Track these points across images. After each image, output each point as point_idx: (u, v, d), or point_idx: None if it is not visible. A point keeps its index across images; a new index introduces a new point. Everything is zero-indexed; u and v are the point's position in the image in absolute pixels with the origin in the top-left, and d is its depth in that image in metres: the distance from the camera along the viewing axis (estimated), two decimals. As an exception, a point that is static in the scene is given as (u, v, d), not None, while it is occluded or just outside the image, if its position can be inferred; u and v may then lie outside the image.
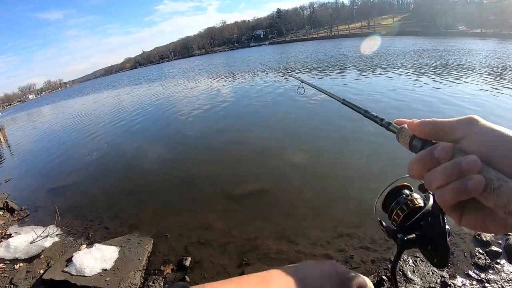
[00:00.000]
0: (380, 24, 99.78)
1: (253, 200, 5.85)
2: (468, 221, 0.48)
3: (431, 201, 0.65)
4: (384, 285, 3.46)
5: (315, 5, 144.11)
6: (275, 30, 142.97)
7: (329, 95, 1.19)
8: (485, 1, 77.93)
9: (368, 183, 5.71)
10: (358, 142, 7.32)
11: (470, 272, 3.48)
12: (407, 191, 0.72)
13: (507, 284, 3.28)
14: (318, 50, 47.89)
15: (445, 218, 0.60)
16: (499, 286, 3.28)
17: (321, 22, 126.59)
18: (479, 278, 3.40)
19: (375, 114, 0.75)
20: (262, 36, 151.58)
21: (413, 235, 0.64)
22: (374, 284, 3.49)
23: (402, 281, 3.46)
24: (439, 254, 0.62)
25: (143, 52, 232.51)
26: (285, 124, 9.92)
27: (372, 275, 3.63)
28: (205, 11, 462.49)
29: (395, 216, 0.69)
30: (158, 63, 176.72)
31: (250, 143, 8.86)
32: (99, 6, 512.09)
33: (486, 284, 3.32)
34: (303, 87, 2.10)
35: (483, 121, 0.49)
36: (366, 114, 0.79)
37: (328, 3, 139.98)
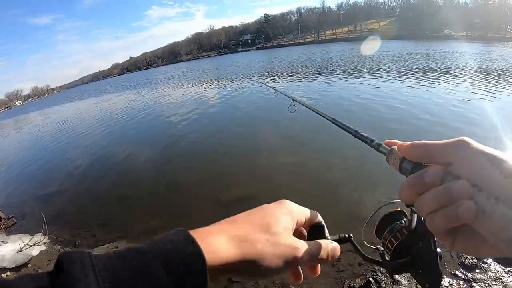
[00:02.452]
0: (367, 28, 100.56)
1: (240, 205, 5.84)
2: (461, 246, 0.48)
3: (421, 224, 0.63)
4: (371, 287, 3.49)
5: (302, 10, 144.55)
6: (263, 35, 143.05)
7: (320, 114, 1.19)
8: (470, 5, 79.16)
9: (355, 187, 5.77)
10: (347, 149, 7.38)
11: (457, 272, 3.49)
12: (401, 217, 0.71)
13: (494, 283, 3.30)
14: (305, 55, 48.07)
15: (436, 241, 0.59)
16: (486, 285, 3.30)
17: (308, 27, 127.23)
18: (466, 277, 3.42)
19: (365, 134, 0.75)
20: (249, 41, 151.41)
21: (404, 260, 0.63)
22: (361, 286, 3.55)
23: (389, 282, 3.47)
24: (430, 279, 0.61)
25: (131, 58, 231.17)
26: (273, 132, 9.94)
27: (359, 278, 3.65)
28: (193, 16, 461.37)
29: (388, 244, 0.67)
30: (145, 69, 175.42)
31: (237, 150, 8.88)
32: (88, 11, 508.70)
33: (473, 284, 3.34)
34: (294, 105, 2.06)
35: (474, 144, 0.48)
36: (356, 134, 0.80)
37: (315, 8, 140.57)
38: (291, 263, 0.53)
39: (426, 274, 0.61)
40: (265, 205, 0.59)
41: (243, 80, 25.96)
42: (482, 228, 0.42)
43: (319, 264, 0.61)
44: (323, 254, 0.57)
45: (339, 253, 0.60)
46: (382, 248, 0.70)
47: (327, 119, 1.08)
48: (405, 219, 0.70)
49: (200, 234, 0.46)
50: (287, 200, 0.61)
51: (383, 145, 0.63)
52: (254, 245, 0.49)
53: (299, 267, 0.60)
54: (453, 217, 0.43)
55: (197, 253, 0.41)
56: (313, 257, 0.56)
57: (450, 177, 0.46)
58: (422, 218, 0.54)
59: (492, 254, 0.46)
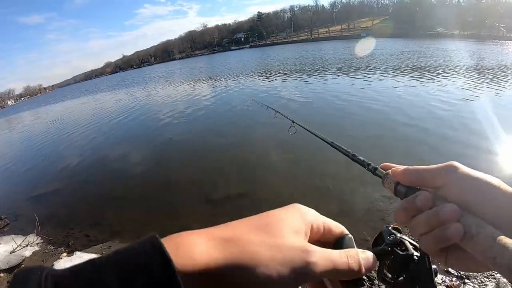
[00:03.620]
0: (360, 26, 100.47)
1: (232, 204, 5.89)
2: (453, 263, 0.51)
3: (416, 244, 0.65)
4: (365, 285, 3.49)
5: (295, 8, 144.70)
6: (256, 33, 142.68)
7: (319, 137, 1.17)
8: (463, 4, 79.46)
9: (349, 185, 5.81)
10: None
11: (450, 269, 3.46)
12: (396, 234, 0.70)
13: (487, 280, 3.33)
14: (298, 53, 48.04)
15: (430, 259, 0.60)
16: (479, 281, 3.33)
17: (301, 25, 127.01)
18: (459, 274, 3.44)
19: (362, 158, 0.76)
20: (243, 39, 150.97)
21: (401, 278, 0.64)
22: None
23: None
24: None
25: (124, 56, 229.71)
26: (266, 133, 9.96)
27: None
28: (185, 14, 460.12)
29: (385, 260, 0.68)
30: (138, 67, 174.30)
31: (229, 149, 8.92)
32: (80, 10, 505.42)
33: (466, 280, 3.36)
34: (294, 127, 2.05)
35: (462, 168, 0.51)
36: (353, 158, 0.80)
37: (308, 6, 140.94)
38: (302, 273, 0.41)
39: None
40: (270, 211, 0.49)
41: (235, 82, 25.90)
42: (469, 248, 0.45)
43: None
44: (352, 262, 0.46)
45: (375, 266, 0.51)
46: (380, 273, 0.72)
47: (326, 142, 1.08)
48: (400, 235, 0.70)
49: (175, 238, 0.41)
50: (298, 204, 0.52)
51: (379, 169, 0.66)
52: (244, 246, 0.40)
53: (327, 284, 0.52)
54: (442, 238, 0.46)
55: (163, 259, 0.34)
56: (335, 265, 0.44)
57: (440, 201, 0.50)
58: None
59: (482, 270, 0.51)
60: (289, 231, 0.44)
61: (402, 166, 0.59)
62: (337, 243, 0.51)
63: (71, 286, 0.32)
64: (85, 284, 0.32)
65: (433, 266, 0.61)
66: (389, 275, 0.67)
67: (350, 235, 0.53)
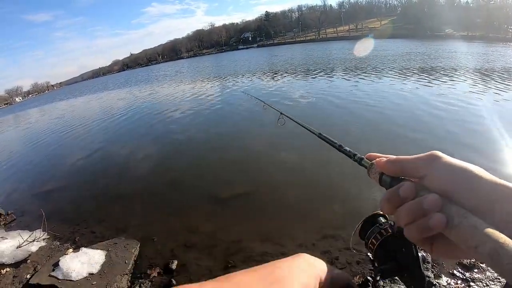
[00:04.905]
0: (368, 27, 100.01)
1: (238, 202, 5.90)
2: (438, 251, 0.51)
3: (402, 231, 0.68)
4: (369, 286, 3.48)
5: (303, 8, 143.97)
6: (264, 33, 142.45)
7: (306, 129, 1.23)
8: (471, 5, 78.86)
9: (353, 184, 5.76)
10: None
11: (455, 272, 3.49)
12: (382, 219, 0.73)
13: (492, 283, 3.30)
14: (306, 53, 48.00)
15: (417, 247, 0.62)
16: (484, 284, 3.30)
17: (309, 25, 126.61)
18: (464, 277, 3.42)
19: (348, 149, 0.78)
20: (250, 39, 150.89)
21: (388, 266, 0.65)
22: (359, 285, 3.56)
23: (387, 281, 3.48)
24: (415, 282, 0.63)
25: (131, 54, 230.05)
26: (271, 129, 9.96)
27: (357, 276, 3.66)
28: (193, 13, 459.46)
29: (370, 245, 0.71)
30: (146, 66, 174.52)
31: (235, 147, 8.92)
32: (87, 8, 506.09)
33: (471, 283, 3.34)
34: (283, 118, 2.09)
35: (445, 157, 0.52)
36: (340, 148, 0.83)
37: (316, 6, 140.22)
38: None
39: (410, 277, 0.64)
40: (276, 260, 0.52)
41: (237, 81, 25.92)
42: (452, 237, 0.45)
43: None
44: None
45: None
46: (370, 255, 0.73)
47: (314, 133, 1.10)
48: (386, 220, 0.73)
49: None
50: (306, 254, 0.56)
51: (365, 159, 0.67)
52: None
53: None
54: (425, 228, 0.47)
55: None
56: None
57: (423, 191, 0.50)
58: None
59: (465, 258, 0.51)
60: (297, 285, 0.46)
61: (387, 156, 0.60)
62: None
63: None
64: None
65: (421, 254, 0.63)
66: (374, 257, 0.70)
67: (354, 286, 0.59)
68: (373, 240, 0.70)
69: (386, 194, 0.54)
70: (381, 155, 0.62)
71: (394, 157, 0.58)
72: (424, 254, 0.62)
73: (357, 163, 0.70)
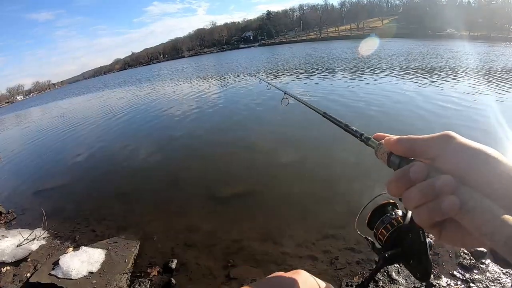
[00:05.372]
0: (369, 26, 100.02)
1: (238, 202, 5.89)
2: (447, 238, 0.49)
3: (410, 217, 0.66)
4: (369, 286, 3.49)
5: (304, 7, 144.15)
6: (265, 32, 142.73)
7: (311, 108, 1.19)
8: (473, 5, 78.82)
9: (353, 184, 5.78)
10: (343, 145, 7.36)
11: (455, 272, 3.47)
12: (391, 209, 0.72)
13: (492, 284, 3.28)
14: (307, 52, 48.01)
15: (425, 233, 0.60)
16: (484, 286, 3.28)
17: (310, 24, 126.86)
18: (464, 278, 3.40)
19: (354, 128, 0.75)
20: (251, 38, 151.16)
21: (395, 251, 0.65)
22: (358, 285, 3.56)
23: (387, 281, 3.45)
24: (421, 268, 0.62)
25: (133, 53, 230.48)
26: (271, 127, 9.96)
27: (357, 276, 3.66)
28: (194, 12, 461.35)
29: (380, 236, 0.70)
30: (147, 65, 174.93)
31: (236, 146, 8.88)
32: (88, 7, 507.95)
33: (471, 284, 3.32)
34: (287, 98, 2.03)
35: (459, 138, 0.49)
36: (346, 128, 0.79)
37: (317, 5, 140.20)
38: None
39: (417, 264, 0.63)
40: (280, 273, 0.55)
41: (242, 77, 25.91)
42: (465, 222, 0.43)
43: None
44: None
45: None
46: (371, 239, 0.72)
47: (318, 112, 1.07)
48: (395, 210, 0.72)
49: None
50: (304, 271, 0.57)
51: (372, 139, 0.64)
52: None
53: None
54: (436, 211, 0.44)
55: None
56: None
57: (435, 172, 0.47)
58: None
59: (477, 246, 0.48)
60: None
61: (396, 136, 0.57)
62: None
63: None
64: None
65: (428, 240, 0.61)
66: (383, 247, 0.69)
67: None
68: (383, 231, 0.69)
69: (395, 174, 0.51)
70: (389, 135, 0.59)
71: (405, 136, 0.55)
72: (431, 240, 0.60)
73: (364, 143, 0.68)
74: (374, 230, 0.71)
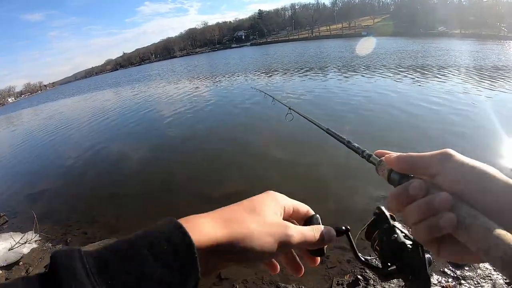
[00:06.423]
0: (361, 25, 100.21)
1: (231, 202, 5.88)
2: (446, 253, 0.50)
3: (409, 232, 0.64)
4: (360, 285, 3.47)
5: (296, 6, 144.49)
6: (257, 31, 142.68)
7: (315, 124, 1.18)
8: (464, 3, 79.35)
9: (346, 183, 5.80)
10: (340, 146, 7.35)
11: (446, 270, 3.48)
12: (389, 220, 0.71)
13: (483, 281, 3.30)
14: (298, 52, 48.00)
15: (424, 248, 0.60)
16: (475, 282, 3.30)
17: (302, 23, 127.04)
18: (455, 275, 3.41)
19: (356, 145, 0.76)
20: (243, 37, 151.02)
21: (394, 267, 0.65)
22: (349, 283, 3.58)
23: (377, 280, 3.47)
24: (420, 284, 0.62)
25: (124, 53, 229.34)
26: (265, 129, 9.96)
27: (348, 275, 3.66)
28: (186, 12, 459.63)
29: (377, 246, 0.70)
30: (139, 65, 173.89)
31: (228, 146, 8.91)
32: (81, 7, 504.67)
33: (462, 281, 3.33)
34: (291, 113, 2.03)
35: (457, 156, 0.50)
36: (348, 144, 0.80)
37: (309, 4, 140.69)
38: (283, 243, 0.52)
39: (416, 280, 0.63)
40: (252, 197, 0.60)
41: (237, 78, 25.89)
42: (462, 238, 0.44)
43: (318, 257, 0.62)
44: (316, 235, 0.56)
45: (335, 238, 0.59)
46: (369, 257, 0.73)
47: (322, 128, 1.08)
48: (395, 223, 0.71)
49: (187, 219, 0.48)
50: (273, 191, 0.62)
51: (373, 156, 0.65)
52: (242, 223, 0.50)
53: (296, 258, 0.62)
54: (434, 228, 0.46)
55: (183, 234, 0.42)
56: (306, 237, 0.55)
57: (434, 189, 0.49)
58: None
59: (475, 262, 0.49)
60: (270, 212, 0.55)
61: (396, 153, 0.59)
62: (307, 221, 0.62)
63: (110, 259, 0.38)
64: (122, 256, 0.39)
65: (427, 256, 0.61)
66: (380, 259, 0.69)
67: (317, 215, 0.63)
68: (379, 242, 0.70)
69: (394, 191, 0.53)
70: (390, 152, 0.61)
71: (405, 153, 0.56)
72: (430, 256, 0.61)
73: (365, 160, 0.69)
74: (371, 240, 0.72)
